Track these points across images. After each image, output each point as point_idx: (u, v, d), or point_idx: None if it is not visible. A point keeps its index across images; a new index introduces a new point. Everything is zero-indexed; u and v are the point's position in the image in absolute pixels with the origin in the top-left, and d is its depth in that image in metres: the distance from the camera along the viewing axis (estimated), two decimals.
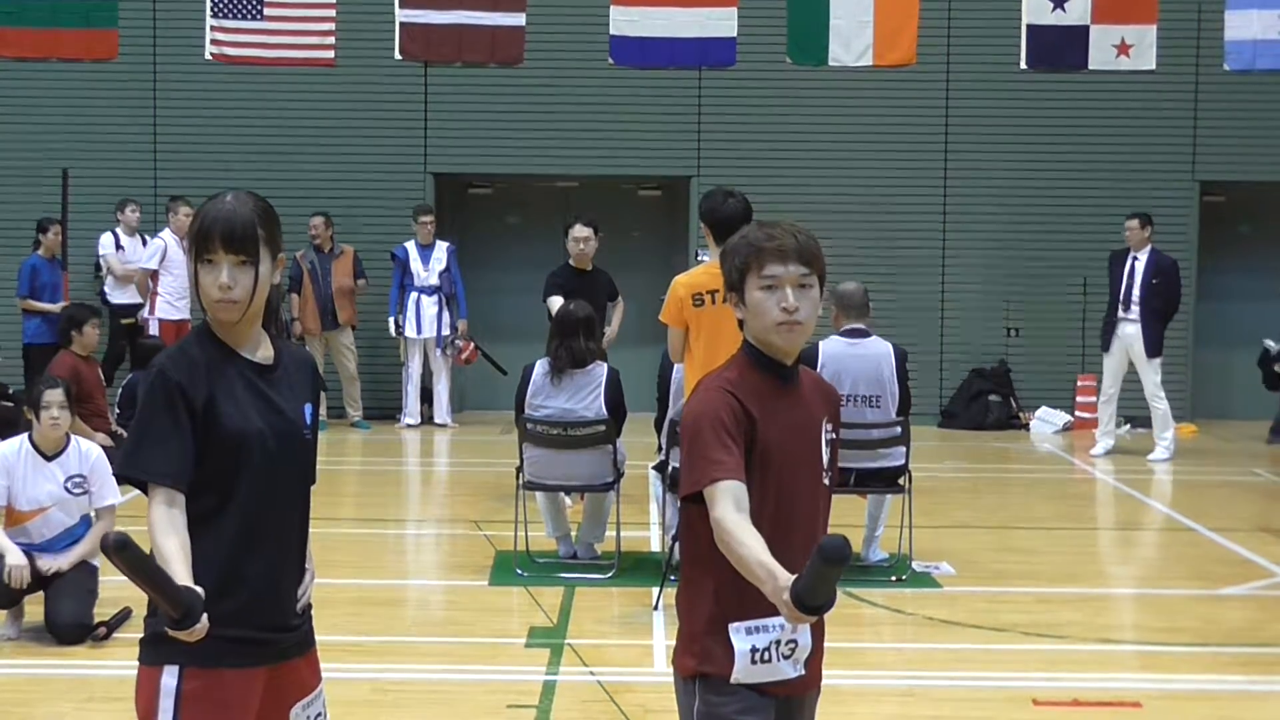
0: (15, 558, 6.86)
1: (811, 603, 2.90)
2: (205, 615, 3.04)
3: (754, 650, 3.25)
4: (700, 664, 3.33)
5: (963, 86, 15.65)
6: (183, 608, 3.01)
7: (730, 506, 3.14)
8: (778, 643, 3.26)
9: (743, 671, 3.27)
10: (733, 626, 3.27)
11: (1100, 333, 13.59)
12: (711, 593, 3.29)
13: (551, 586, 8.09)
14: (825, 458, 3.39)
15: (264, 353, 3.39)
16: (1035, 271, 15.56)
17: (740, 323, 3.40)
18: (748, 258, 3.32)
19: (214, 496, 3.26)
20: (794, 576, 2.93)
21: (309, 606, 3.49)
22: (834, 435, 3.43)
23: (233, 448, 3.25)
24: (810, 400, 3.40)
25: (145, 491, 3.22)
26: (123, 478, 3.28)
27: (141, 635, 3.30)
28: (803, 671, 3.34)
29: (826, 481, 3.40)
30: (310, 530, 3.50)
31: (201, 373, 3.26)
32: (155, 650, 3.24)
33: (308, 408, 3.45)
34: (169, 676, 3.22)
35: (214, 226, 3.27)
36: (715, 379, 3.35)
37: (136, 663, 3.28)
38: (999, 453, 13.93)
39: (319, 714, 3.47)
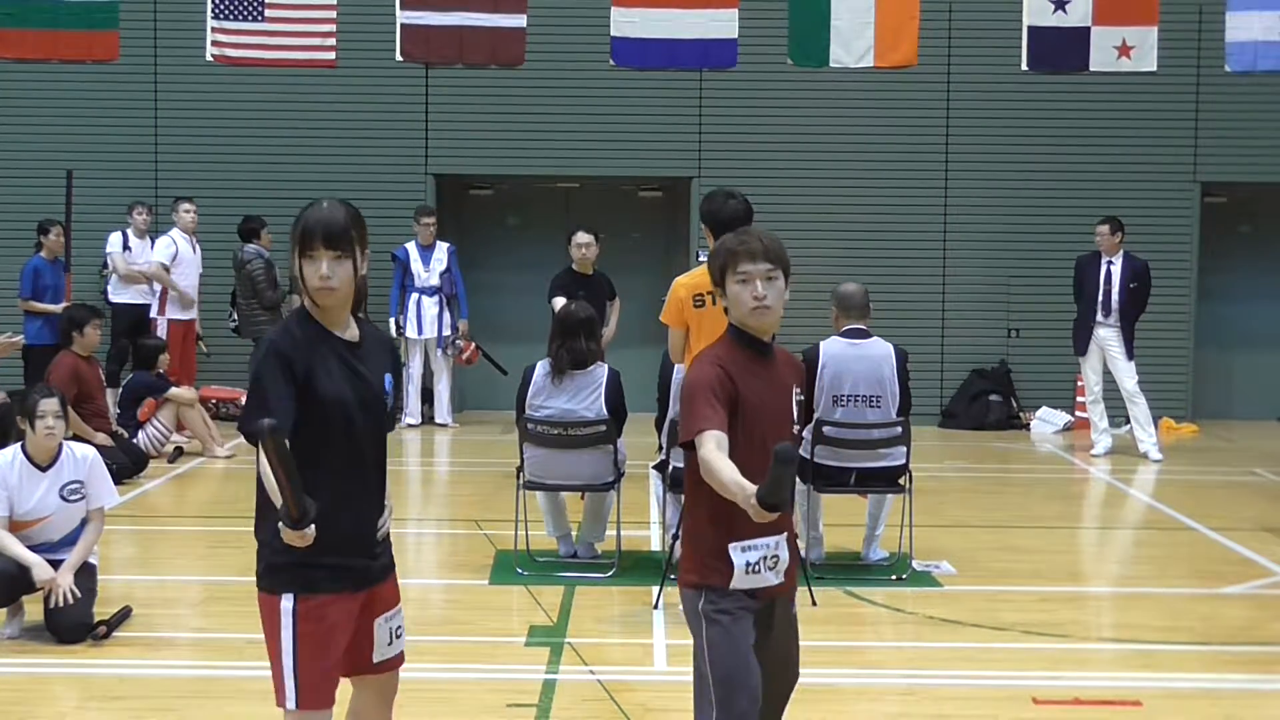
0: (43, 571, 6.82)
1: (770, 500, 3.79)
2: (313, 527, 3.72)
3: (748, 564, 4.16)
4: (704, 577, 4.20)
5: (964, 88, 15.65)
6: (302, 508, 3.69)
7: (713, 447, 4.02)
8: (765, 558, 4.18)
9: (739, 580, 4.16)
10: (731, 546, 4.15)
11: (1072, 337, 13.63)
12: (709, 522, 4.18)
13: (551, 585, 8.10)
14: (795, 413, 4.33)
15: (351, 333, 4.10)
16: (1035, 272, 15.56)
17: (725, 310, 4.31)
18: (725, 259, 4.26)
19: (311, 449, 3.90)
20: (757, 486, 3.83)
21: (388, 536, 4.20)
22: (801, 396, 4.38)
23: (326, 411, 3.97)
24: (782, 369, 4.34)
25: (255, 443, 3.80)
26: (246, 434, 3.86)
27: (258, 567, 4.04)
28: (782, 579, 4.26)
29: (795, 430, 4.36)
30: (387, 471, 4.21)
31: (303, 349, 3.96)
32: (272, 579, 4.01)
33: (388, 377, 4.18)
34: (286, 602, 3.98)
35: (316, 227, 3.96)
36: (708, 354, 4.28)
37: (256, 590, 4.06)
38: (999, 453, 13.93)
39: (399, 625, 4.25)
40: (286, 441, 3.70)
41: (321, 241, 3.94)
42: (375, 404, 4.09)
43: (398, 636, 4.24)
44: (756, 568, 4.15)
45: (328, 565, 3.95)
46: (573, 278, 11.77)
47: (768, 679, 4.26)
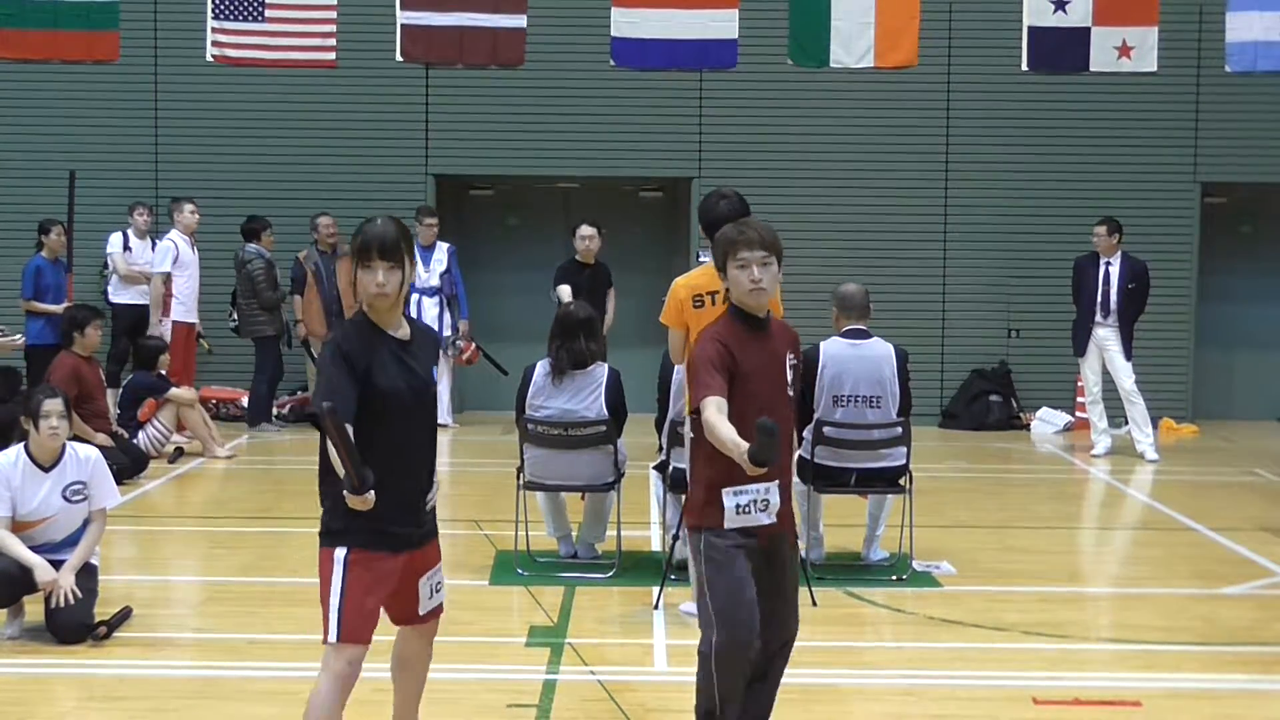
0: (45, 574, 6.82)
1: (758, 459, 4.53)
2: (373, 493, 4.34)
3: (738, 506, 4.84)
4: (702, 519, 4.92)
5: (964, 88, 15.65)
6: (362, 477, 4.30)
7: (714, 411, 4.73)
8: (754, 501, 4.84)
9: (730, 520, 4.86)
10: (724, 491, 4.83)
11: (1071, 338, 13.64)
12: (709, 473, 4.86)
13: (552, 586, 8.09)
14: (789, 378, 5.02)
15: (403, 331, 4.76)
16: (1036, 272, 15.56)
17: (727, 291, 5.00)
18: (726, 247, 4.94)
19: (370, 433, 4.50)
20: (748, 445, 4.55)
21: (434, 507, 4.85)
22: (796, 363, 5.09)
23: (383, 401, 4.58)
24: (777, 340, 5.03)
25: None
26: (310, 417, 4.33)
27: (320, 528, 4.66)
28: (775, 520, 4.91)
29: (790, 394, 5.03)
30: (437, 450, 4.90)
31: (362, 347, 4.60)
32: (331, 537, 4.63)
33: (435, 369, 4.86)
34: (340, 552, 4.60)
35: (372, 242, 4.67)
36: (710, 331, 4.98)
37: (317, 546, 4.67)
38: (1000, 453, 13.93)
39: (439, 582, 4.92)
40: (346, 423, 4.31)
41: (377, 254, 4.63)
42: (425, 394, 4.73)
43: (438, 590, 4.91)
44: (747, 509, 4.83)
45: (379, 530, 4.56)
46: (576, 267, 13.21)
47: (770, 621, 4.90)
